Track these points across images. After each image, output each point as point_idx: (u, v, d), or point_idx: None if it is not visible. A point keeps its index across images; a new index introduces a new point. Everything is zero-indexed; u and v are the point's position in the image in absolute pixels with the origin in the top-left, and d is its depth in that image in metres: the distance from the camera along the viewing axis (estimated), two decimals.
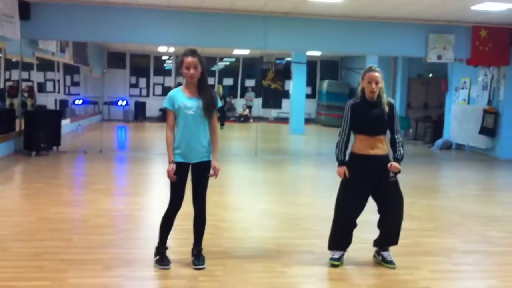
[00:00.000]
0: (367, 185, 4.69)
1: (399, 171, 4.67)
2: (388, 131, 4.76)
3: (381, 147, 4.70)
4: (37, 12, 11.05)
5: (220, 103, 4.67)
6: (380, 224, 4.86)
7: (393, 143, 4.75)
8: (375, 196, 4.78)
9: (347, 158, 4.76)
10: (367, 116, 4.68)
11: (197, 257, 4.61)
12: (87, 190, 7.94)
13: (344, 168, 4.70)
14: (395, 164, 4.65)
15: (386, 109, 4.67)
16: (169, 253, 4.81)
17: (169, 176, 4.50)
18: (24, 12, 10.77)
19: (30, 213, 6.35)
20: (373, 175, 4.66)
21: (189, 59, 4.46)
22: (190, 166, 4.57)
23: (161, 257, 4.60)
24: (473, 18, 11.85)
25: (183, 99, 4.52)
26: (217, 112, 4.73)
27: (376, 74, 4.63)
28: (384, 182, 4.67)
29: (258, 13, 11.86)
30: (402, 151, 4.74)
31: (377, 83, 4.63)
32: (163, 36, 11.71)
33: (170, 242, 5.06)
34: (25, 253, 4.83)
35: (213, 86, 21.29)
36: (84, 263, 4.59)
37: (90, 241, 5.26)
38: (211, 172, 4.59)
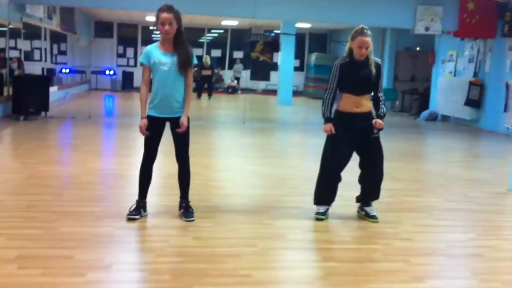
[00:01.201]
0: (352, 141, 4.82)
1: (383, 128, 4.80)
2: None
3: (366, 104, 4.81)
4: None
5: (195, 60, 4.67)
6: (362, 180, 5.00)
7: (376, 101, 4.86)
8: (359, 151, 4.91)
9: (333, 115, 4.86)
10: (354, 76, 4.75)
11: (186, 210, 4.72)
12: (77, 151, 8.02)
13: (330, 125, 4.81)
14: (379, 120, 4.78)
15: (373, 70, 4.77)
16: (159, 206, 4.96)
17: (141, 131, 4.56)
18: None
19: (21, 171, 6.43)
20: (358, 131, 4.78)
21: (164, 14, 4.44)
22: (167, 122, 4.62)
23: (135, 207, 4.65)
24: None
25: (158, 55, 4.53)
26: (193, 69, 4.72)
27: (368, 38, 4.66)
28: (367, 138, 4.80)
29: None
30: (384, 109, 4.88)
31: (367, 48, 4.69)
32: (150, 3, 11.60)
33: (158, 197, 5.25)
34: (18, 206, 4.91)
35: (200, 57, 21.20)
36: (76, 215, 4.69)
37: (81, 196, 5.36)
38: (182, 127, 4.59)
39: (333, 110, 4.90)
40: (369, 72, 4.74)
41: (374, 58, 4.79)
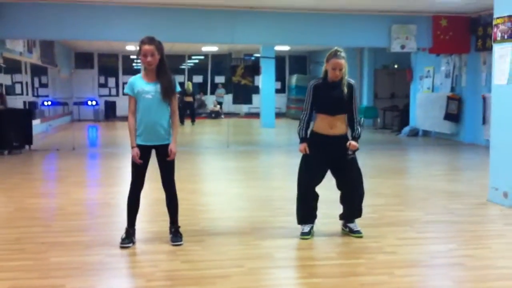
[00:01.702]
0: (326, 161, 4.97)
1: (357, 149, 4.94)
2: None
3: (340, 126, 4.95)
4: (4, 11, 11.06)
5: (178, 88, 4.80)
6: (343, 200, 5.14)
7: (352, 122, 5.00)
8: (335, 173, 5.06)
9: (308, 135, 5.00)
10: (327, 97, 4.92)
11: (175, 235, 4.81)
12: (62, 183, 8.07)
13: (305, 145, 4.96)
14: (353, 142, 4.92)
15: (345, 90, 4.91)
16: (147, 233, 5.04)
17: (134, 160, 4.67)
18: None
19: (7, 205, 6.47)
20: (332, 153, 4.93)
21: (146, 46, 4.59)
22: (154, 149, 4.73)
23: (125, 235, 4.73)
24: (433, 8, 12.25)
25: (142, 84, 4.68)
26: (177, 96, 4.86)
27: (341, 61, 4.83)
28: (343, 160, 4.94)
29: (225, 8, 12.06)
30: (360, 130, 5.01)
31: (341, 69, 4.86)
32: (130, 33, 11.77)
33: (146, 224, 5.34)
34: (6, 239, 4.96)
35: (182, 83, 21.36)
36: (65, 245, 4.75)
37: (68, 226, 5.42)
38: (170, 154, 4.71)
39: (309, 130, 5.05)
40: (341, 92, 4.89)
41: (347, 79, 4.95)
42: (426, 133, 15.52)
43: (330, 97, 4.90)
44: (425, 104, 15.39)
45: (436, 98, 14.73)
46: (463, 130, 13.87)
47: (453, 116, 13.98)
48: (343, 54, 4.88)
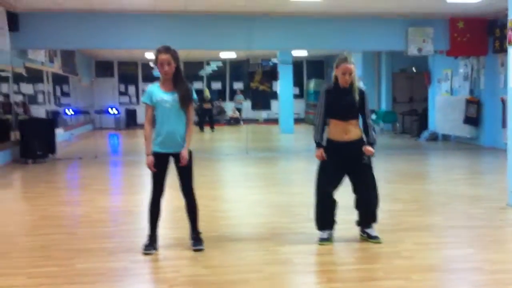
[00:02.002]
0: (343, 166, 5.04)
1: (373, 154, 5.01)
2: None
3: (354, 131, 5.02)
4: (25, 22, 11.34)
5: (195, 96, 4.94)
6: (357, 205, 5.20)
7: (366, 128, 5.08)
8: (351, 177, 5.13)
9: (324, 143, 5.08)
10: (339, 102, 5.00)
11: (196, 240, 4.93)
12: (86, 191, 8.25)
13: (321, 150, 5.04)
14: (368, 147, 4.99)
15: (357, 97, 4.99)
16: (169, 239, 5.16)
17: (149, 168, 4.80)
18: (13, 23, 11.05)
19: (33, 213, 6.66)
20: (348, 159, 5.01)
21: (162, 56, 4.74)
22: (171, 157, 4.85)
23: (148, 242, 4.87)
24: (450, 10, 12.25)
25: (160, 93, 4.81)
26: (194, 104, 4.99)
27: (350, 66, 4.92)
28: (358, 164, 5.01)
29: (242, 14, 12.20)
30: (374, 135, 5.07)
31: (350, 74, 4.95)
32: (149, 41, 11.96)
33: (168, 230, 5.46)
34: (33, 246, 5.13)
35: (201, 90, 21.52)
36: (90, 251, 4.89)
37: (93, 233, 5.56)
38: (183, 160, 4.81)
39: (325, 136, 5.12)
40: (353, 99, 4.97)
41: (358, 85, 5.03)
42: (445, 137, 15.46)
43: (341, 102, 4.98)
44: (444, 108, 15.34)
45: (455, 101, 14.68)
46: (483, 133, 13.81)
47: (473, 119, 13.92)
48: (352, 59, 4.97)
